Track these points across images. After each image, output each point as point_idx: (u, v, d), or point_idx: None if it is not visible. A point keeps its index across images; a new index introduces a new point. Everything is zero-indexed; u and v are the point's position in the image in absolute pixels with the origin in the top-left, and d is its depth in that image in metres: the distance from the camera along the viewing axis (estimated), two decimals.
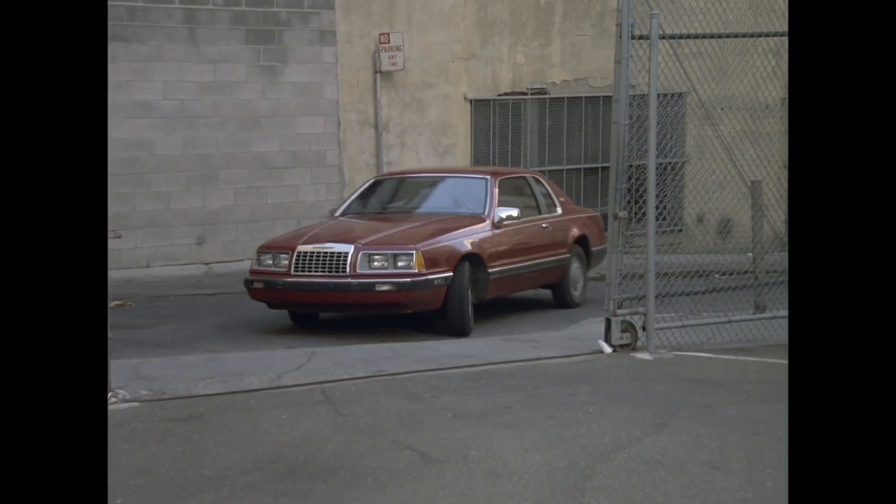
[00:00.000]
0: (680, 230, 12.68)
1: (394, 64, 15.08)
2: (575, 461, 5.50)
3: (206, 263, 14.33)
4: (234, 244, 14.16)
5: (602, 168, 15.71)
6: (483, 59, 16.03)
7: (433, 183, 12.03)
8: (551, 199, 11.98)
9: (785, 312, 9.23)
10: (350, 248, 9.70)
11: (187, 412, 6.69)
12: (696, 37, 8.86)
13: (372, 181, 12.18)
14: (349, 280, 9.62)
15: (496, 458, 5.56)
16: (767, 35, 9.99)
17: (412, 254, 9.61)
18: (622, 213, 8.56)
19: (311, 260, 9.77)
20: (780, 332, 9.19)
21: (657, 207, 8.59)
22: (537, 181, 12.19)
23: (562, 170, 16.51)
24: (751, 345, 8.98)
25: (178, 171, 14.12)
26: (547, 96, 16.43)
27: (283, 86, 14.68)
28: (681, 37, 8.72)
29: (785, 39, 10.40)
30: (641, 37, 8.42)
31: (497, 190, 11.02)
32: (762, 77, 9.85)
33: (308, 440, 5.95)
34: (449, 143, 15.87)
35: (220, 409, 6.76)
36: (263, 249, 10.29)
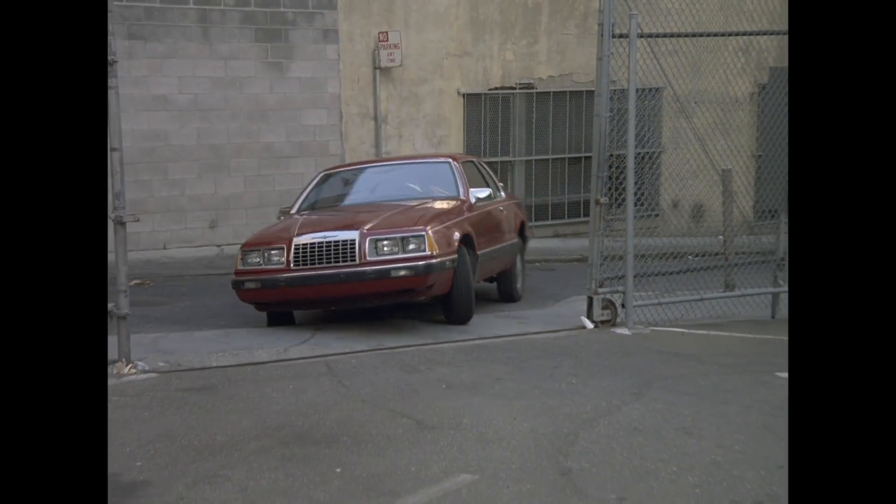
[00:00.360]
0: (657, 215, 12.67)
1: (392, 61, 15.04)
2: (559, 428, 5.51)
3: (218, 246, 14.31)
4: (245, 228, 14.12)
5: (585, 157, 15.69)
6: (475, 56, 15.98)
7: (393, 171, 10.36)
8: (496, 183, 10.70)
9: (752, 290, 9.28)
10: (356, 235, 8.23)
11: (201, 382, 6.70)
12: (672, 35, 8.85)
13: (322, 175, 10.42)
14: (363, 268, 8.17)
15: (487, 425, 5.57)
16: (737, 34, 10.00)
17: (423, 235, 8.23)
18: (603, 199, 8.57)
19: (313, 252, 8.24)
20: (748, 308, 9.24)
21: (635, 194, 8.59)
22: (483, 166, 10.92)
23: (547, 159, 16.49)
24: (721, 321, 9.01)
25: (193, 159, 14.09)
26: (534, 91, 16.40)
27: (290, 81, 14.64)
28: (657, 35, 8.72)
29: (751, 39, 10.42)
30: (621, 35, 8.41)
31: (464, 171, 9.87)
32: (732, 73, 9.86)
33: (312, 409, 5.96)
34: (443, 134, 15.84)
35: (231, 380, 6.76)
36: (250, 248, 8.51)
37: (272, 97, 14.53)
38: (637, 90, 8.41)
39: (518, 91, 16.29)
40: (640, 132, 8.73)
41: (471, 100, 16.00)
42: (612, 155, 8.63)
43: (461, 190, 9.60)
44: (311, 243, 8.27)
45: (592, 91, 9.24)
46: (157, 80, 13.72)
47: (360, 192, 9.97)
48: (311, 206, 9.81)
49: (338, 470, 4.85)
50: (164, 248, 13.95)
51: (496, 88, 16.16)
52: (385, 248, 8.23)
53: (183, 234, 14.15)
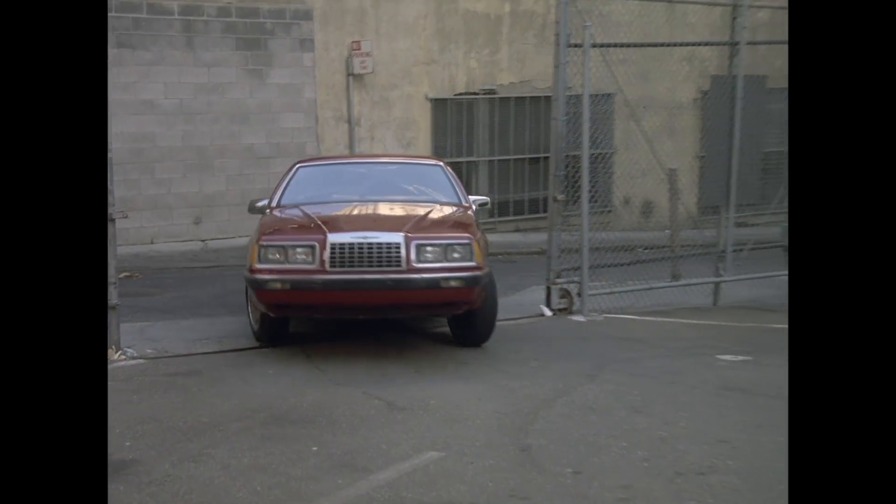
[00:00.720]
0: (609, 211, 12.73)
1: (364, 68, 15.00)
2: (520, 408, 5.54)
3: (203, 240, 14.22)
4: (227, 223, 14.06)
5: (543, 158, 15.71)
6: (441, 63, 15.97)
7: (382, 169, 8.83)
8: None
9: (696, 280, 9.37)
10: (400, 238, 6.73)
11: (187, 368, 6.67)
12: (623, 45, 8.90)
13: (298, 167, 8.58)
14: (411, 275, 6.69)
15: (453, 406, 5.59)
16: (681, 45, 10.07)
17: (469, 244, 6.82)
18: (560, 196, 8.61)
19: (352, 253, 6.70)
20: (692, 296, 9.32)
21: (590, 191, 8.63)
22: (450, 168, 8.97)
23: (509, 159, 16.52)
24: (668, 308, 9.08)
25: (178, 160, 13.99)
26: (496, 96, 16.41)
27: (269, 87, 14.56)
28: (610, 45, 8.76)
29: (695, 49, 10.51)
30: (576, 45, 8.44)
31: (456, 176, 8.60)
32: (677, 80, 9.94)
33: (291, 392, 5.95)
34: (412, 136, 15.82)
35: (215, 366, 6.73)
36: (271, 243, 6.84)
37: (252, 102, 14.45)
38: (591, 95, 8.45)
39: (481, 96, 16.30)
40: (594, 134, 8.77)
41: (437, 104, 15.99)
42: (568, 155, 8.67)
43: (461, 196, 8.17)
44: (351, 243, 6.72)
45: (550, 96, 9.27)
46: (144, 86, 13.60)
47: (351, 189, 8.26)
48: (298, 200, 8.01)
49: (314, 448, 4.85)
50: (152, 243, 13.85)
51: (461, 94, 16.16)
52: (429, 255, 6.78)
53: (169, 230, 14.05)
